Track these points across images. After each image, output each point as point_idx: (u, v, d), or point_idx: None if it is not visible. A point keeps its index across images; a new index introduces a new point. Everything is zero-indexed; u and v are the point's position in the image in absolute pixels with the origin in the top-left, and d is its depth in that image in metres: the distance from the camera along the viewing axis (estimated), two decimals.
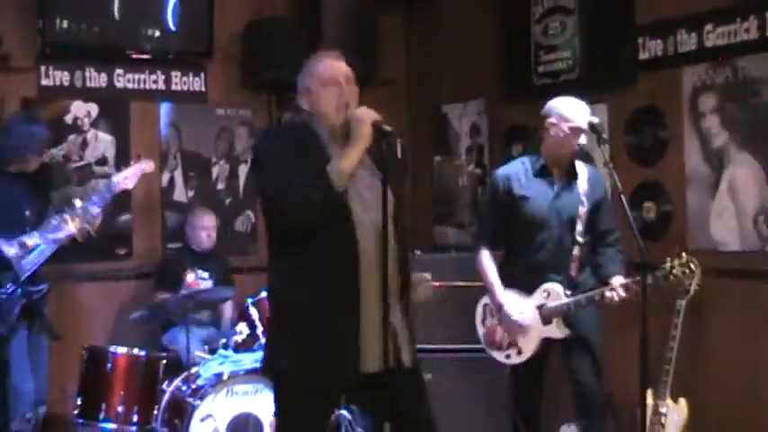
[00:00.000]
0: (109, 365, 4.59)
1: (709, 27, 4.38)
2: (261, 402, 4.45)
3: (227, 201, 5.92)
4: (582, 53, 5.04)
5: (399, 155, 2.94)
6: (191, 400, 4.44)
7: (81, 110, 5.45)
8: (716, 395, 4.38)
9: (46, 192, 4.81)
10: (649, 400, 4.05)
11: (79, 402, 4.59)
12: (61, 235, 4.44)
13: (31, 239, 4.39)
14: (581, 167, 4.13)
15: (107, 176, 5.03)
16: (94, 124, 5.49)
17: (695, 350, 4.38)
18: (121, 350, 4.65)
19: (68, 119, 5.41)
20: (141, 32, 5.46)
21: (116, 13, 5.34)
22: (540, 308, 4.05)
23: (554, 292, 4.04)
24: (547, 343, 4.09)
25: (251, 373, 4.51)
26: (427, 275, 4.77)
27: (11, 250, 4.29)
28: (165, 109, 5.72)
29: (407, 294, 3.10)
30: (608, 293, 3.92)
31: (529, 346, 4.09)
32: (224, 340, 4.79)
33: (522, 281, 4.10)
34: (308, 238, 2.92)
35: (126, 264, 5.59)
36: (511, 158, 4.50)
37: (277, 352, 3.04)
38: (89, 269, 5.39)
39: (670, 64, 4.58)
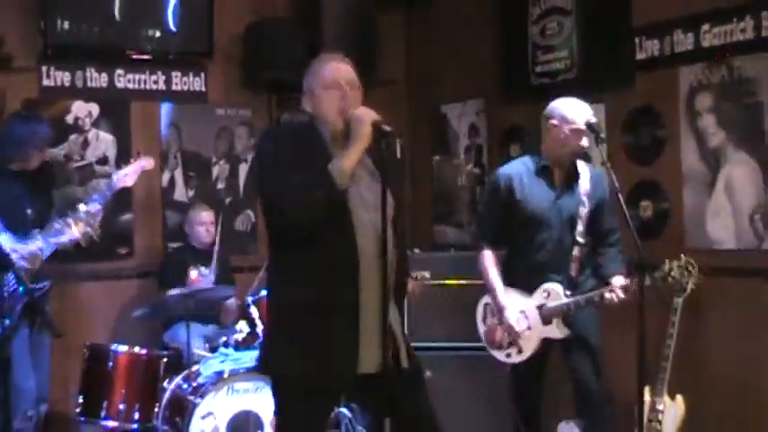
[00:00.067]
0: (110, 364, 4.61)
1: (705, 27, 4.41)
2: (261, 400, 4.46)
3: (228, 200, 5.95)
4: (579, 53, 5.06)
5: (399, 155, 2.96)
6: (191, 397, 4.46)
7: (82, 110, 5.47)
8: (713, 392, 4.40)
9: (47, 191, 4.84)
10: (646, 397, 4.06)
11: (81, 400, 4.62)
12: (65, 239, 4.48)
13: (35, 244, 4.42)
14: (583, 168, 4.13)
15: (108, 176, 5.05)
16: (95, 124, 5.51)
17: (692, 348, 4.40)
18: (123, 348, 4.66)
19: (69, 119, 5.44)
20: (142, 33, 5.49)
21: (117, 14, 5.37)
22: (540, 308, 4.06)
23: (554, 293, 4.04)
24: (547, 342, 4.10)
25: (251, 370, 4.51)
26: (426, 274, 4.79)
27: (21, 262, 4.33)
28: (165, 109, 5.75)
29: (404, 295, 3.12)
30: (607, 295, 3.92)
31: (529, 346, 4.10)
32: (224, 338, 4.81)
33: (523, 280, 4.11)
34: (308, 238, 2.92)
35: (127, 263, 5.62)
36: (509, 158, 4.52)
37: (276, 352, 3.04)
38: (91, 268, 5.41)
39: (667, 64, 4.60)
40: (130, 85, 5.60)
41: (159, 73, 5.68)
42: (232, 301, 5.32)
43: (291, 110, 5.91)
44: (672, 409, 4.18)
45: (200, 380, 4.56)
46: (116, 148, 5.54)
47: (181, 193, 5.80)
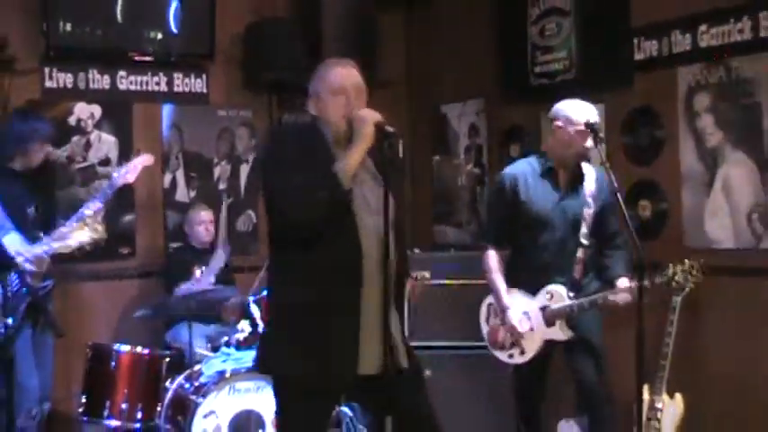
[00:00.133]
0: (113, 363, 4.64)
1: (703, 28, 4.43)
2: (263, 399, 4.48)
3: (229, 201, 5.97)
4: (578, 54, 5.07)
5: (401, 156, 2.98)
6: (193, 397, 4.48)
7: (84, 111, 5.49)
8: (711, 391, 4.42)
9: (50, 191, 4.86)
10: (645, 396, 4.06)
11: (83, 400, 4.64)
12: (71, 242, 4.50)
13: (41, 248, 4.44)
14: (588, 169, 4.12)
15: (110, 177, 5.07)
16: (98, 126, 5.53)
17: (691, 346, 4.42)
18: (125, 348, 4.69)
19: (72, 120, 5.46)
20: (144, 35, 5.51)
21: (119, 16, 5.38)
22: (543, 309, 4.06)
23: (557, 294, 4.04)
24: (550, 343, 4.10)
25: (253, 370, 4.53)
26: (426, 274, 4.81)
27: (27, 265, 4.35)
28: (167, 110, 5.76)
29: (403, 297, 3.15)
30: (610, 297, 3.93)
31: (532, 347, 4.10)
32: (226, 338, 4.83)
33: (527, 281, 4.11)
34: (310, 238, 2.93)
35: (129, 263, 5.64)
36: (509, 158, 4.53)
37: (277, 352, 3.05)
38: (93, 268, 5.42)
39: (665, 64, 4.62)
40: (132, 87, 5.62)
41: (161, 74, 5.70)
42: (234, 299, 5.34)
43: (292, 110, 5.93)
44: (671, 408, 4.19)
45: (203, 379, 4.58)
46: (118, 149, 5.56)
47: (182, 194, 5.82)
